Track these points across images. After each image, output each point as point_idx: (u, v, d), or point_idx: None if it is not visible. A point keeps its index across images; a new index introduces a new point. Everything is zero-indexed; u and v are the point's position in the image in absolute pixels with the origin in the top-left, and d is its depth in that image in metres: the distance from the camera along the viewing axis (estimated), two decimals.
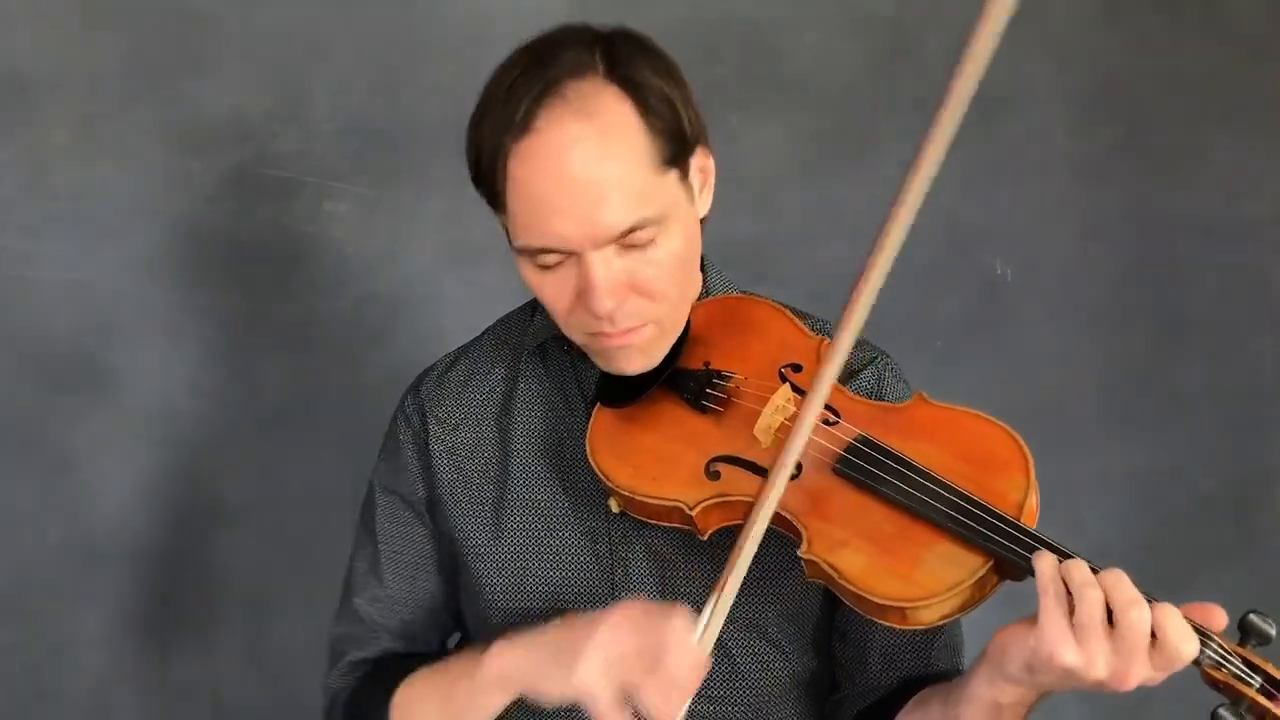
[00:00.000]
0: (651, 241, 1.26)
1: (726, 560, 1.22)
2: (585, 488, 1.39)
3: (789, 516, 1.23)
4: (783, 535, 1.24)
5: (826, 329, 1.39)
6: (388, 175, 2.08)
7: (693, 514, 1.27)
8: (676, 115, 1.28)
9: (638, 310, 1.29)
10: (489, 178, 1.26)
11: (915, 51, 2.32)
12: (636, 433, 1.34)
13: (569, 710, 1.27)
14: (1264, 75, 2.55)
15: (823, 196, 2.30)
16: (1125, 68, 2.47)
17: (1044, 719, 1.23)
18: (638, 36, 1.30)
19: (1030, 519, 1.18)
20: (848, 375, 1.40)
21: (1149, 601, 1.09)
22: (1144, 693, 1.11)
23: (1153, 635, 1.08)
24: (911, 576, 1.16)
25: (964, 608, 1.17)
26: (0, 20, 1.90)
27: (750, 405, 1.30)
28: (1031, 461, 1.20)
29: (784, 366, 1.33)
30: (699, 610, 1.22)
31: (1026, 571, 1.14)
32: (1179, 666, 1.08)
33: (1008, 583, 1.18)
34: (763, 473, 1.24)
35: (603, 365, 1.35)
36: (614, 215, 1.23)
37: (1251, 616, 1.11)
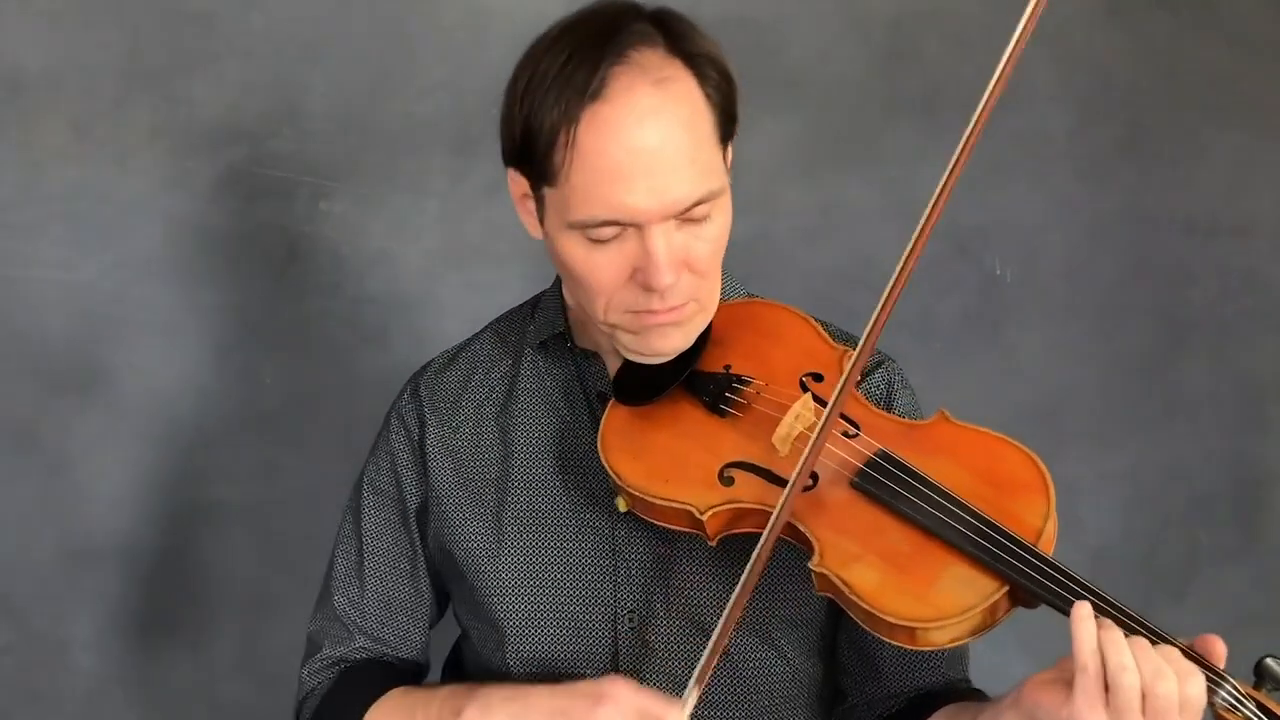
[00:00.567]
0: (708, 216, 1.26)
1: (729, 567, 1.20)
2: (589, 488, 1.38)
3: (801, 527, 1.21)
4: (792, 545, 1.23)
5: (849, 338, 1.39)
6: (384, 175, 2.08)
7: (702, 518, 1.25)
8: (730, 91, 1.29)
9: (688, 287, 1.28)
10: (547, 149, 1.24)
11: (915, 51, 2.32)
12: (650, 432, 1.32)
13: None
14: (1264, 75, 2.55)
15: (821, 196, 2.29)
16: (1126, 68, 2.46)
17: None
18: (682, 15, 1.30)
19: (1048, 545, 1.17)
20: (859, 378, 1.39)
21: (1151, 641, 1.08)
22: None
23: None
24: (925, 596, 1.15)
25: (975, 632, 1.16)
26: None
27: (769, 412, 1.29)
28: (1053, 488, 1.19)
29: (805, 375, 1.32)
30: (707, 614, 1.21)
31: (1040, 599, 1.13)
32: (1195, 707, 1.07)
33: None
34: (779, 482, 1.23)
35: (637, 347, 1.32)
36: (684, 188, 1.23)
37: (1268, 661, 1.10)
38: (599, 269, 1.27)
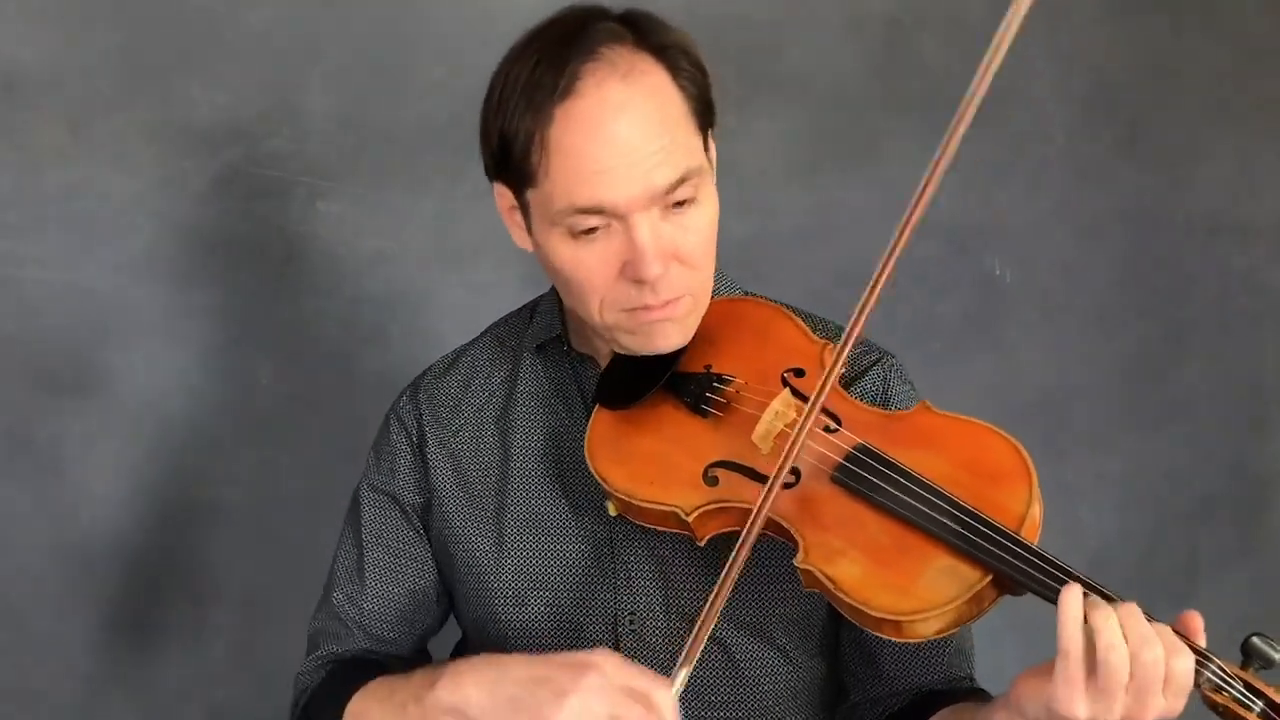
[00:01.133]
0: (693, 200, 1.26)
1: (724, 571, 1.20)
2: (588, 491, 1.38)
3: (786, 525, 1.21)
4: (784, 543, 1.23)
5: (834, 331, 1.38)
6: (382, 175, 2.07)
7: (689, 519, 1.25)
8: (704, 81, 1.29)
9: (679, 279, 1.28)
10: (524, 153, 1.25)
11: (913, 51, 2.32)
12: (635, 435, 1.32)
13: None
14: (1264, 75, 2.55)
15: (820, 196, 2.29)
16: (1126, 68, 2.46)
17: None
18: (649, 12, 1.31)
19: (1032, 532, 1.16)
20: (853, 378, 1.39)
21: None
22: None
23: None
24: (908, 589, 1.15)
25: (961, 621, 1.15)
26: None
27: (750, 410, 1.29)
28: (1034, 473, 1.18)
29: (786, 371, 1.31)
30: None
31: (1025, 587, 1.13)
32: (1182, 685, 1.06)
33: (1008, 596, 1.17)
34: (761, 479, 1.23)
35: (636, 346, 1.32)
36: (662, 171, 1.23)
37: (1254, 639, 1.09)
38: (587, 266, 1.27)
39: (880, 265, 1.17)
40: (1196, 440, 2.57)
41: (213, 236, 2.01)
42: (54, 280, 1.95)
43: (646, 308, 1.28)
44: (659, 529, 1.30)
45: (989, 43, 1.13)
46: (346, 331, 2.08)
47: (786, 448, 1.19)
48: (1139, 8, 2.46)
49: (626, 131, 1.22)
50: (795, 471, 1.23)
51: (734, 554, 1.19)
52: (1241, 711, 1.06)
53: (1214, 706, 1.08)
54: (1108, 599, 1.10)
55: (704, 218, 1.29)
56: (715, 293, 1.40)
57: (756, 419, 1.27)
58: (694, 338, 1.35)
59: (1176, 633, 1.09)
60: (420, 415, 1.46)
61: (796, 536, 1.20)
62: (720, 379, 1.33)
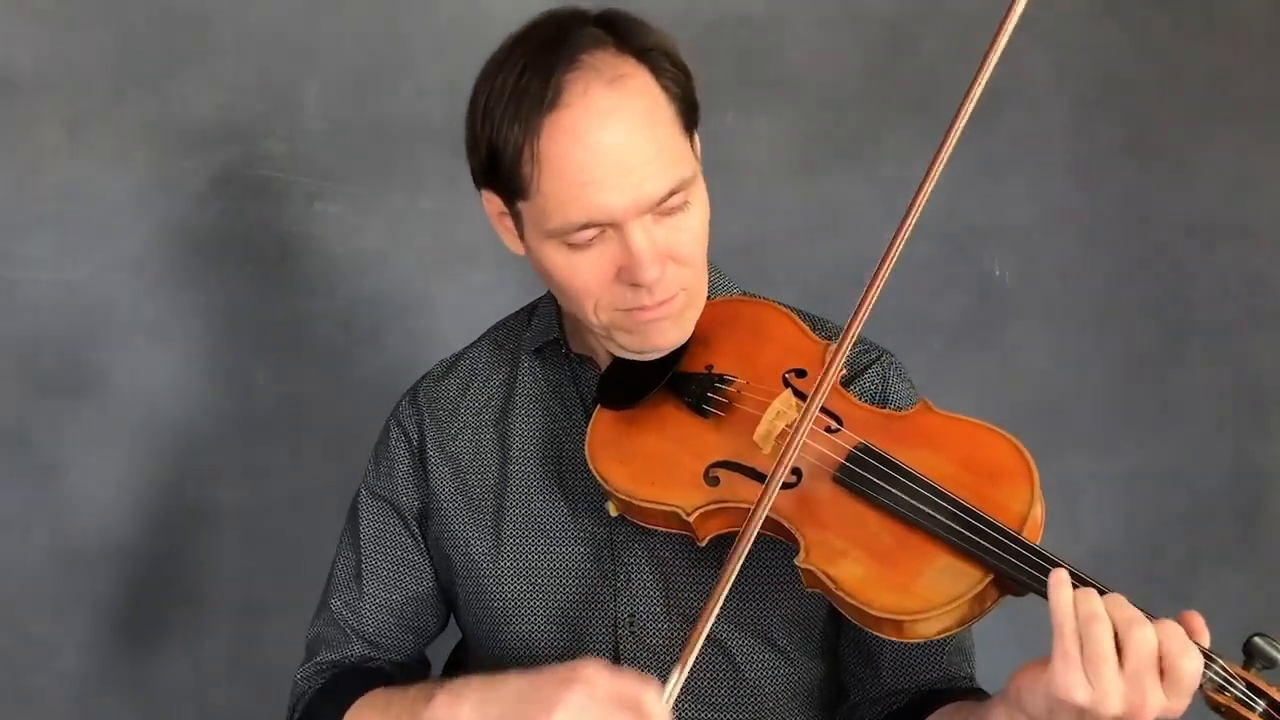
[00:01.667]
0: (685, 205, 1.27)
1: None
2: (587, 493, 1.38)
3: (786, 525, 1.21)
4: (782, 543, 1.23)
5: (835, 332, 1.38)
6: (378, 175, 2.07)
7: (690, 519, 1.25)
8: (687, 81, 1.29)
9: (675, 278, 1.29)
10: (514, 165, 1.24)
11: (912, 49, 2.32)
12: (636, 435, 1.32)
13: None
14: (1265, 75, 2.55)
15: (818, 195, 2.29)
16: (1126, 67, 2.46)
17: None
18: (628, 13, 1.31)
19: (1033, 532, 1.16)
20: (851, 376, 1.39)
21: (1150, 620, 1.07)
22: None
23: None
24: (909, 589, 1.15)
25: (963, 622, 1.15)
26: None
27: (751, 410, 1.29)
28: (1036, 473, 1.18)
29: (787, 371, 1.31)
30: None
31: (1027, 587, 1.12)
32: (1188, 685, 1.06)
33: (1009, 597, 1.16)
34: (762, 479, 1.23)
35: (633, 346, 1.33)
36: (655, 180, 1.23)
37: (1257, 639, 1.09)
38: (583, 274, 1.27)
39: (879, 265, 1.18)
40: (1197, 440, 2.57)
41: (208, 237, 2.01)
42: (49, 281, 1.95)
43: (643, 308, 1.29)
44: (659, 530, 1.30)
45: (988, 42, 1.12)
46: (343, 332, 2.08)
47: (786, 447, 1.20)
48: (1139, 7, 2.45)
49: (615, 138, 1.22)
50: (796, 471, 1.23)
51: (733, 551, 1.19)
52: (1244, 712, 1.06)
53: (1216, 707, 1.08)
54: (1100, 592, 1.09)
55: (696, 218, 1.29)
56: (714, 292, 1.40)
57: (758, 419, 1.27)
58: (695, 338, 1.35)
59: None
60: (420, 420, 1.47)
61: (797, 536, 1.20)
62: (722, 379, 1.33)
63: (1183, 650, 1.05)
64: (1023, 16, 1.14)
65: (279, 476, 2.06)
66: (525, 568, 1.40)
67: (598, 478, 1.31)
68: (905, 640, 1.16)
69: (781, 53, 2.28)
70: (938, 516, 1.16)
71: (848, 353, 1.22)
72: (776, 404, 1.27)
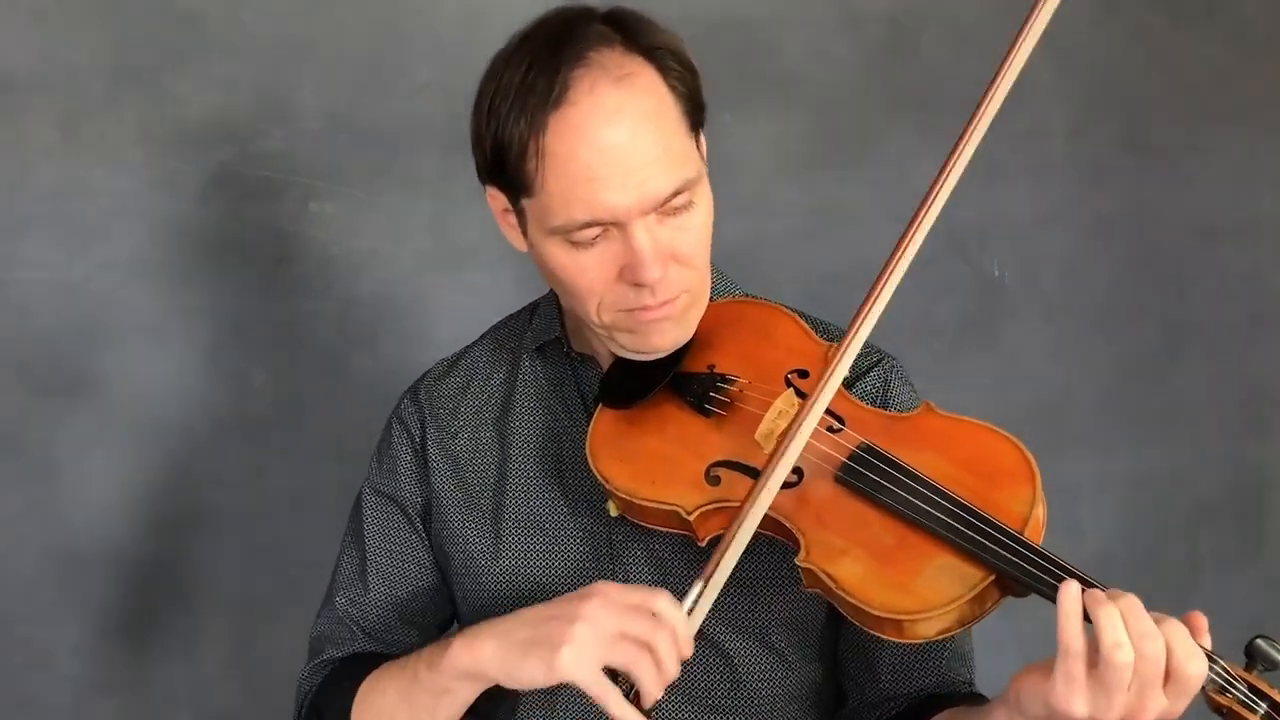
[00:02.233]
0: (689, 205, 1.26)
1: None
2: (585, 492, 1.38)
3: (787, 524, 1.21)
4: (783, 544, 1.22)
5: (838, 334, 1.38)
6: (375, 175, 2.07)
7: (690, 519, 1.25)
8: (694, 80, 1.29)
9: (678, 279, 1.28)
10: (519, 161, 1.24)
11: (910, 50, 2.31)
12: (638, 435, 1.32)
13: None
14: (1265, 74, 2.55)
15: (817, 196, 2.29)
16: (1125, 66, 2.46)
17: None
18: (637, 12, 1.30)
19: (1035, 533, 1.16)
20: (853, 379, 1.39)
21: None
22: None
23: None
24: (910, 588, 1.14)
25: (963, 622, 1.15)
26: None
27: (753, 410, 1.29)
28: (1038, 475, 1.18)
29: (790, 372, 1.31)
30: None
31: (1029, 588, 1.12)
32: (1192, 688, 1.05)
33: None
34: None
35: (635, 346, 1.32)
36: (660, 180, 1.23)
37: (1259, 641, 1.08)
38: (586, 272, 1.27)
39: (886, 269, 1.18)
40: (1197, 441, 2.57)
41: (204, 237, 2.00)
42: (44, 281, 1.95)
43: (645, 308, 1.28)
44: (660, 529, 1.30)
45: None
46: (339, 333, 2.07)
47: (783, 442, 1.20)
48: (1139, 7, 2.45)
49: (621, 137, 1.22)
50: (798, 471, 1.23)
51: (725, 541, 1.19)
52: (1245, 713, 1.05)
53: (1217, 708, 1.07)
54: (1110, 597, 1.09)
55: (700, 218, 1.29)
56: (716, 293, 1.40)
57: (760, 419, 1.27)
58: (698, 338, 1.35)
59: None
60: (422, 417, 1.46)
61: (798, 535, 1.20)
62: (724, 379, 1.32)
63: (1189, 654, 1.05)
64: (1025, 19, 1.13)
65: (275, 477, 2.05)
66: (524, 566, 1.40)
67: (598, 477, 1.30)
68: (905, 641, 1.15)
69: (781, 53, 2.28)
70: (939, 516, 1.16)
71: (852, 354, 1.22)
72: (779, 404, 1.27)
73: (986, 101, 1.13)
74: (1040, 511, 1.17)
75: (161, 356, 2.00)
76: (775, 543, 1.23)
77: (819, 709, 1.43)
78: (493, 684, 1.25)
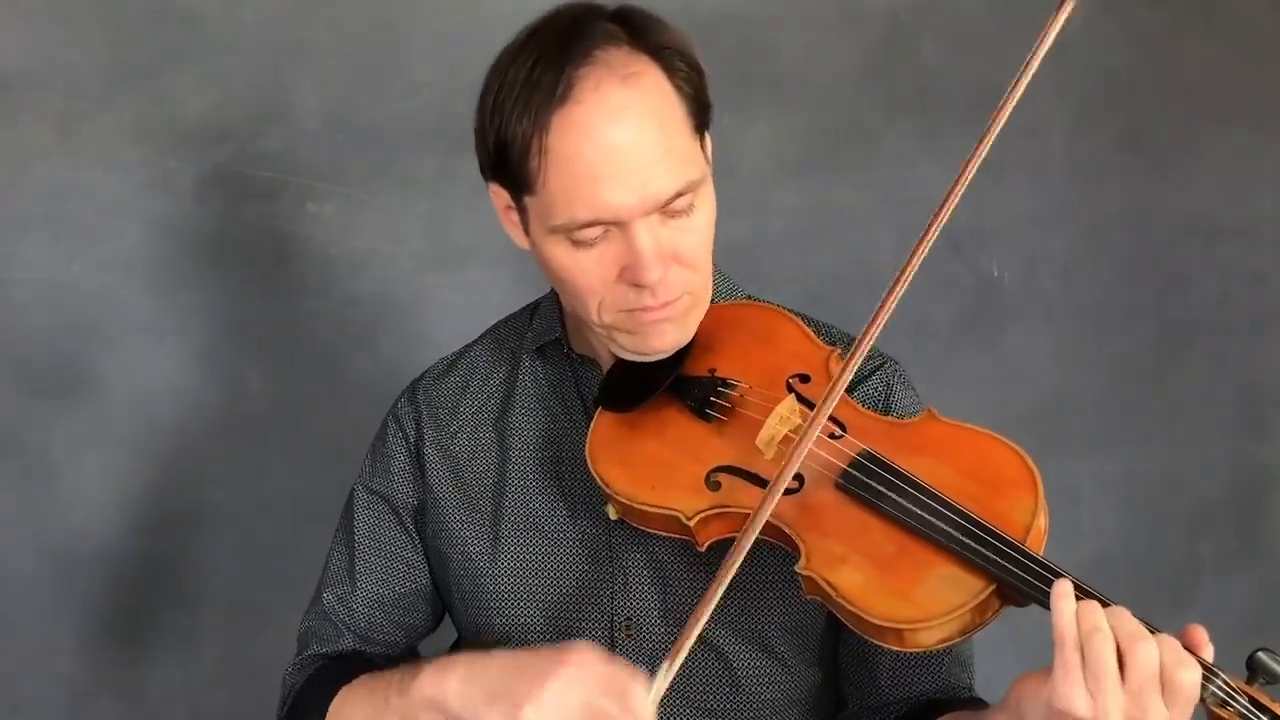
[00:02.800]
0: (690, 207, 1.26)
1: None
2: (585, 494, 1.38)
3: (787, 530, 1.20)
4: (785, 550, 1.22)
5: (841, 338, 1.38)
6: (372, 175, 2.07)
7: (690, 524, 1.25)
8: (700, 81, 1.29)
9: (678, 280, 1.28)
10: (522, 158, 1.24)
11: (909, 49, 2.31)
12: (637, 439, 1.32)
13: None
14: (1264, 75, 2.55)
15: (816, 196, 2.29)
16: (1125, 67, 2.46)
17: None
18: (644, 10, 1.30)
19: (1037, 542, 1.16)
20: (855, 383, 1.38)
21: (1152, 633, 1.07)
22: None
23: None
24: (911, 597, 1.14)
25: (964, 631, 1.14)
26: None
27: (754, 415, 1.28)
28: (1041, 483, 1.18)
29: (791, 377, 1.31)
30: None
31: (1030, 598, 1.12)
32: (1187, 697, 1.05)
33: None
34: (764, 484, 1.22)
35: (634, 347, 1.32)
36: (663, 181, 1.22)
37: (1260, 654, 1.08)
38: (586, 271, 1.27)
39: (896, 277, 1.18)
40: (1197, 442, 2.57)
41: (201, 237, 2.00)
42: (41, 281, 1.95)
43: (645, 309, 1.28)
44: (659, 533, 1.29)
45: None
46: (337, 333, 2.07)
47: (790, 455, 1.19)
48: (1139, 7, 2.45)
49: (625, 136, 1.21)
50: (799, 477, 1.22)
51: (731, 552, 1.18)
52: None
53: None
54: (1103, 605, 1.09)
55: (702, 219, 1.28)
56: (718, 296, 1.40)
57: (760, 424, 1.26)
58: (699, 341, 1.35)
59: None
60: (419, 417, 1.46)
61: (798, 542, 1.19)
62: (725, 383, 1.32)
63: (1179, 662, 1.05)
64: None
65: (273, 478, 2.05)
66: (522, 568, 1.40)
67: (598, 480, 1.30)
68: (906, 649, 1.15)
69: (780, 53, 2.27)
70: (940, 525, 1.15)
71: (857, 363, 1.21)
72: (780, 409, 1.27)
73: (1001, 110, 1.13)
74: (1042, 521, 1.16)
75: (159, 356, 2.00)
76: (775, 548, 1.22)
77: (818, 713, 1.43)
78: None
